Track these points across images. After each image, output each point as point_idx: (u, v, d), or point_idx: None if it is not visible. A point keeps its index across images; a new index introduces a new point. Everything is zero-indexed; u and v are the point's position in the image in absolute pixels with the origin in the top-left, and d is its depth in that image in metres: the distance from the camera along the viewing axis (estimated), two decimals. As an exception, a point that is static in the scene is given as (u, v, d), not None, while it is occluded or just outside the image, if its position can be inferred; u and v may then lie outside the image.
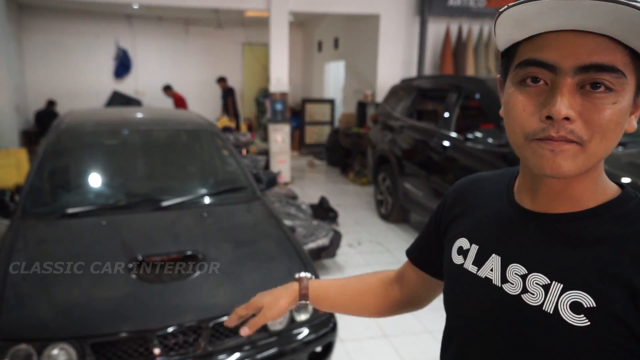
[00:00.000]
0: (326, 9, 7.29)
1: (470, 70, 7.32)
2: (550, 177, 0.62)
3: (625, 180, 2.74)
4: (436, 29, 7.41)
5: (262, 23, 8.59)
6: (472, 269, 0.75)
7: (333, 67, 10.47)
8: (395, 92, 5.59)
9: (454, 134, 4.12)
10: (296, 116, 9.76)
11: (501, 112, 0.69)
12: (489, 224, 0.76)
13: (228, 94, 9.16)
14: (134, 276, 2.06)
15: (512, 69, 0.65)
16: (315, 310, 2.17)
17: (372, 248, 4.59)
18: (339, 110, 9.75)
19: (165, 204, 2.61)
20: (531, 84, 0.61)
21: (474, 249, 0.76)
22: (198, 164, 3.21)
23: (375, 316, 1.03)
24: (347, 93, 9.17)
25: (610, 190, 0.67)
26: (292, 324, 2.11)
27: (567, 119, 0.58)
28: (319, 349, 2.16)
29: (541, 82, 0.60)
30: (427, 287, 0.96)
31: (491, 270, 0.72)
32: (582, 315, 0.60)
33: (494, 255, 0.72)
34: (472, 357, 0.75)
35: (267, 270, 2.26)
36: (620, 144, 3.26)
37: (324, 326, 2.19)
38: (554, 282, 0.63)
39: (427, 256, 0.93)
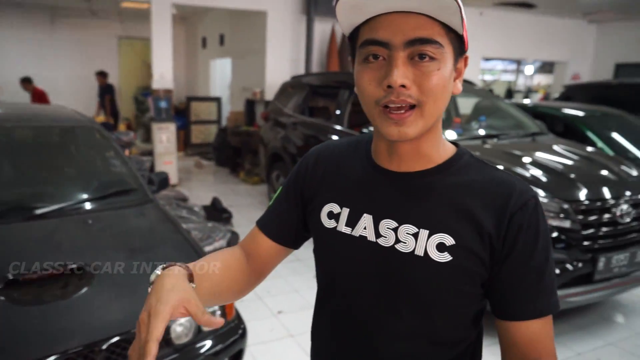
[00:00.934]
0: (212, 3, 7.02)
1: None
2: (399, 141, 0.74)
3: (500, 167, 3.01)
4: (322, 28, 7.54)
5: (140, 16, 8.01)
6: (346, 230, 0.82)
7: (219, 65, 10.15)
8: (286, 90, 5.57)
9: (347, 129, 4.20)
10: (181, 115, 9.27)
11: (355, 89, 0.78)
12: (356, 187, 0.84)
13: (106, 91, 8.43)
14: (2, 299, 1.74)
15: (357, 50, 0.75)
16: (223, 316, 2.01)
17: (271, 247, 4.50)
18: (227, 109, 9.49)
19: (39, 211, 2.26)
20: (373, 60, 0.72)
21: (345, 211, 0.83)
22: (78, 165, 2.85)
23: (239, 295, 0.95)
24: (234, 91, 8.96)
25: (449, 149, 0.82)
26: (199, 334, 1.96)
27: (403, 86, 0.70)
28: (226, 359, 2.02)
29: (380, 58, 0.72)
30: (276, 257, 0.97)
31: (364, 228, 0.81)
32: (446, 253, 0.75)
33: (365, 214, 0.81)
34: (355, 307, 0.82)
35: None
36: (494, 136, 3.60)
37: (233, 333, 2.06)
38: (421, 229, 0.76)
39: (283, 227, 0.94)
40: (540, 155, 3.28)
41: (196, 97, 9.95)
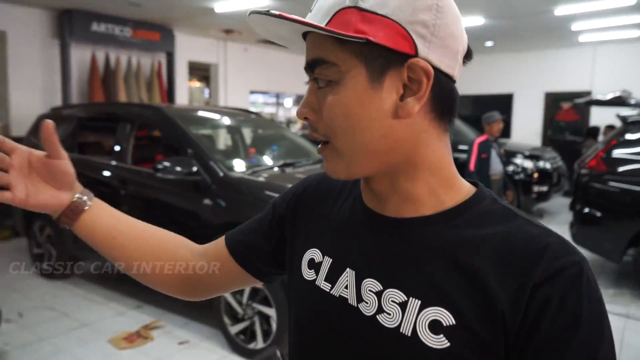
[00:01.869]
0: None
1: (122, 100, 6.97)
2: (338, 179, 0.63)
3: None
4: (81, 54, 6.72)
5: None
6: (325, 286, 0.65)
7: None
8: (45, 123, 4.69)
9: (132, 166, 3.77)
10: None
11: None
12: (342, 232, 0.67)
13: None
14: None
15: None
16: None
17: (42, 316, 3.65)
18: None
19: None
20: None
21: (327, 262, 0.66)
22: None
23: (171, 286, 0.82)
24: (-39, 126, 7.15)
25: (463, 190, 0.61)
26: None
27: (307, 118, 0.59)
28: None
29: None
30: (234, 281, 0.81)
31: (346, 287, 0.62)
32: (441, 335, 0.53)
33: (348, 269, 0.63)
34: None
35: None
36: (290, 164, 3.73)
37: None
38: (411, 298, 0.56)
39: (252, 253, 0.78)
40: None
41: None
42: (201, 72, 10.63)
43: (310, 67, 0.58)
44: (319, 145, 0.61)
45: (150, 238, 0.81)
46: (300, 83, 12.05)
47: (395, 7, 0.53)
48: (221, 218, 3.13)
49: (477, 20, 7.47)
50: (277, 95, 15.94)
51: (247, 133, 4.60)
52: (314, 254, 0.68)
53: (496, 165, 4.99)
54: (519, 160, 6.83)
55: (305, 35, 0.60)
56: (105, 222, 0.77)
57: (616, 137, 4.41)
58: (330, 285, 0.64)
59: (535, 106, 10.57)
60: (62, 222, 0.75)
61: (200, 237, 3.34)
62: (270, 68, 10.81)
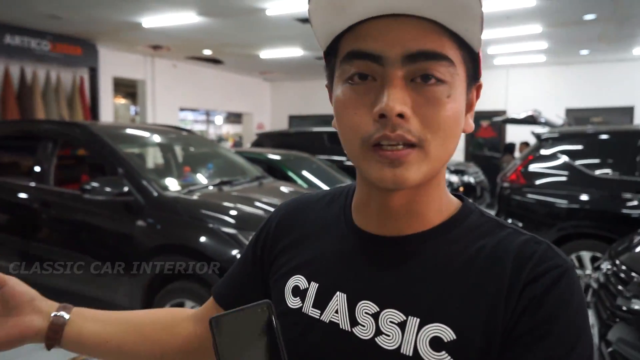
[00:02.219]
0: None
1: (40, 117, 6.52)
2: (394, 189, 0.54)
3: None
4: (-8, 68, 6.22)
5: None
6: (314, 312, 0.61)
7: None
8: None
9: (62, 188, 3.52)
10: None
11: (333, 123, 0.59)
12: (328, 255, 0.64)
13: None
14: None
15: (337, 65, 0.56)
16: None
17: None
18: None
19: None
20: (359, 81, 0.53)
21: (313, 287, 0.63)
22: None
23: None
24: None
25: (452, 204, 0.62)
26: None
27: (401, 116, 0.50)
28: None
29: (369, 78, 0.53)
30: None
31: (336, 312, 0.60)
32: (444, 352, 0.52)
33: (338, 293, 0.60)
34: None
35: None
36: (227, 182, 3.66)
37: None
38: (409, 317, 0.55)
39: (241, 299, 0.72)
40: (276, 196, 3.53)
41: None
42: (127, 88, 10.22)
43: (411, 58, 0.51)
44: (400, 148, 0.52)
45: (144, 326, 0.75)
46: (231, 100, 11.96)
47: (479, 30, 0.53)
48: (156, 240, 3.00)
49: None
50: (208, 113, 15.70)
51: (180, 151, 4.47)
52: (298, 280, 0.65)
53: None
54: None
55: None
56: (92, 328, 0.71)
57: (532, 152, 4.77)
58: (319, 312, 0.61)
59: (457, 124, 11.24)
60: (47, 345, 0.68)
61: (134, 260, 3.15)
62: (201, 85, 10.63)
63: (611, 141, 4.57)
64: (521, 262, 0.54)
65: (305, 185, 5.41)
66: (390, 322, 0.56)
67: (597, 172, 4.45)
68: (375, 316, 0.57)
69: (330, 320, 0.60)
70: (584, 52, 9.20)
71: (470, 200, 0.64)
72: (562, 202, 4.46)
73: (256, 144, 8.94)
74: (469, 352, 0.52)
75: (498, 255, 0.55)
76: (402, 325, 0.55)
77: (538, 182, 4.58)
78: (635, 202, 4.25)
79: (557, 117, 7.33)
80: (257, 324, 0.47)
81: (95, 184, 3.10)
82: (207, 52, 8.91)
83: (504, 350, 0.51)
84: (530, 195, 4.57)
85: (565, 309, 0.51)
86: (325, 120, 13.50)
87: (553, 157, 4.63)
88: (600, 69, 10.26)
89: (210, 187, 3.49)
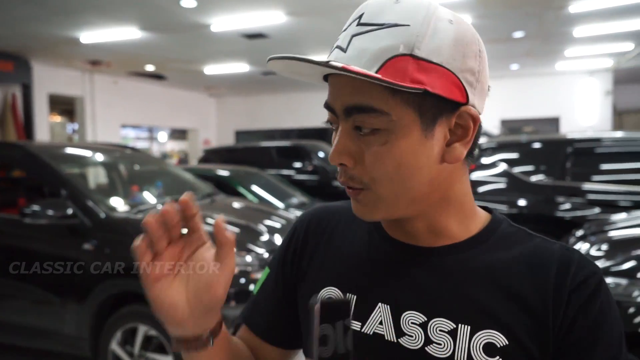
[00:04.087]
0: None
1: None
2: (371, 220, 0.60)
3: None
4: None
5: None
6: (355, 325, 0.60)
7: None
8: None
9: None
10: None
11: None
12: (364, 265, 0.64)
13: None
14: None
15: None
16: None
17: None
18: None
19: None
20: (332, 127, 0.59)
21: (351, 299, 0.62)
22: None
23: None
24: None
25: (481, 217, 0.64)
26: None
27: (342, 164, 0.56)
28: None
29: (334, 125, 0.59)
30: None
31: (380, 323, 0.59)
32: (498, 357, 0.54)
33: (380, 304, 0.60)
34: None
35: None
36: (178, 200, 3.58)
37: None
38: (460, 325, 0.56)
39: (279, 325, 0.70)
40: (230, 213, 3.49)
41: None
42: (64, 105, 9.77)
43: (348, 112, 0.55)
44: (349, 189, 0.58)
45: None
46: (176, 116, 11.72)
47: (449, 55, 0.53)
48: (105, 263, 2.87)
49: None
50: (151, 130, 15.26)
51: (125, 170, 4.32)
52: (331, 292, 0.64)
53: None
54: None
55: (326, 75, 0.58)
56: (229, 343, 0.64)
57: (474, 162, 5.02)
58: (360, 324, 0.60)
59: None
60: (210, 334, 0.58)
61: (81, 286, 3.02)
62: (143, 101, 10.36)
63: (544, 149, 4.89)
64: (563, 270, 0.57)
65: (255, 200, 5.40)
66: (440, 330, 0.57)
67: (533, 178, 4.74)
68: (424, 326, 0.57)
69: (374, 332, 0.60)
70: (514, 66, 9.83)
71: (498, 212, 0.66)
72: (502, 208, 4.71)
73: (203, 160, 8.82)
74: (521, 356, 0.54)
75: (536, 262, 0.58)
76: (452, 334, 0.56)
77: (481, 189, 4.82)
78: (567, 206, 4.56)
79: (494, 127, 7.77)
80: (340, 318, 0.47)
81: (36, 208, 2.95)
82: (150, 68, 8.71)
83: (561, 355, 0.55)
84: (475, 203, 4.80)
85: (609, 312, 0.56)
86: (271, 135, 13.52)
87: (493, 165, 4.89)
88: (529, 83, 10.98)
89: (161, 207, 3.40)
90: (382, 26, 0.52)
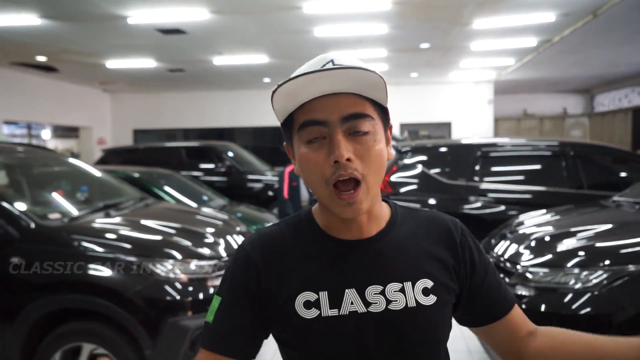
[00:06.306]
0: None
1: None
2: (352, 217, 0.79)
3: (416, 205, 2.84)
4: None
5: None
6: (332, 312, 0.78)
7: None
8: None
9: None
10: None
11: (296, 170, 0.83)
12: (324, 267, 0.81)
13: None
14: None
15: (295, 133, 0.79)
16: None
17: None
18: None
19: None
20: (315, 141, 0.76)
21: (324, 295, 0.79)
22: None
23: None
24: None
25: (385, 205, 0.89)
26: None
27: (348, 159, 0.74)
28: None
29: (320, 138, 0.76)
30: None
31: (352, 303, 0.79)
32: (431, 295, 0.81)
33: (347, 290, 0.79)
34: None
35: None
36: (112, 205, 3.33)
37: None
38: (404, 282, 0.81)
39: (244, 341, 0.82)
40: (172, 217, 3.33)
41: None
42: None
43: (345, 119, 0.75)
44: (351, 191, 0.75)
45: None
46: (65, 113, 10.64)
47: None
48: (39, 278, 2.56)
49: (262, 59, 8.02)
50: (29, 126, 13.67)
51: (27, 171, 3.83)
52: (307, 296, 0.79)
53: (304, 193, 5.41)
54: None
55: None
56: None
57: (395, 163, 5.33)
58: (336, 310, 0.79)
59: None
60: None
61: (9, 304, 2.69)
62: (27, 95, 9.26)
63: (457, 152, 5.35)
64: (445, 227, 0.88)
65: (172, 201, 5.17)
66: (393, 291, 0.80)
67: (448, 179, 5.18)
68: (382, 292, 0.80)
69: (349, 311, 0.78)
70: (414, 74, 10.56)
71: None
72: (416, 206, 5.06)
73: (101, 161, 8.15)
74: (443, 290, 0.83)
75: (432, 226, 0.88)
76: (402, 290, 0.80)
77: (402, 189, 5.13)
78: (478, 204, 5.06)
79: (400, 132, 8.29)
80: None
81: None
82: (41, 59, 7.85)
83: (474, 274, 0.87)
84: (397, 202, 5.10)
85: (479, 248, 0.90)
86: (171, 135, 12.91)
87: (412, 167, 5.24)
88: (425, 90, 11.88)
89: (98, 213, 3.12)
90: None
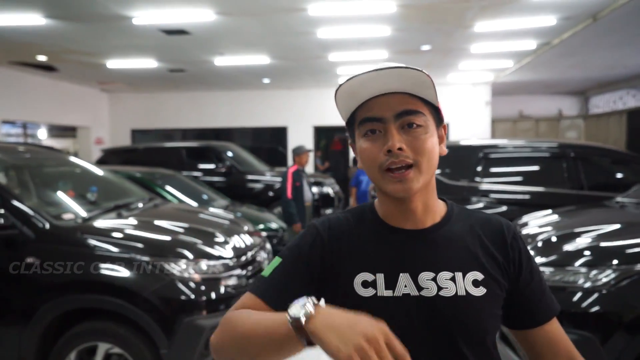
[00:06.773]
0: None
1: None
2: (404, 197, 0.87)
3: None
4: None
5: None
6: (387, 293, 0.87)
7: None
8: None
9: None
10: None
11: (359, 161, 0.92)
12: (382, 251, 0.91)
13: None
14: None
15: (356, 129, 0.91)
16: None
17: None
18: None
19: None
20: (371, 134, 0.88)
21: (380, 277, 0.88)
22: None
23: None
24: None
25: (442, 203, 0.98)
26: None
27: (400, 149, 0.84)
28: None
29: (377, 132, 0.87)
30: None
31: (405, 286, 0.87)
32: (480, 286, 0.88)
33: (401, 274, 0.88)
34: None
35: None
36: (123, 206, 3.34)
37: None
38: (455, 273, 0.88)
39: (290, 298, 0.87)
40: (182, 217, 3.35)
41: None
42: None
43: (399, 115, 0.86)
44: (403, 170, 0.85)
45: None
46: (63, 112, 10.59)
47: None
48: (55, 278, 2.58)
49: (263, 60, 8.03)
50: (25, 126, 13.59)
51: (37, 172, 3.83)
52: (365, 276, 0.89)
53: (307, 193, 5.44)
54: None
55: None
56: None
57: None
58: (391, 291, 0.87)
59: (306, 138, 11.80)
60: None
61: (23, 305, 2.71)
62: (25, 94, 9.22)
63: (459, 154, 5.39)
64: (499, 228, 0.95)
65: (176, 201, 5.20)
66: (445, 279, 0.87)
67: (449, 180, 5.22)
68: (434, 279, 0.87)
69: (402, 294, 0.87)
70: (413, 75, 10.56)
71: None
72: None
73: (101, 161, 8.13)
74: (492, 282, 0.89)
75: (487, 226, 0.95)
76: (453, 279, 0.88)
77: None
78: (480, 205, 5.11)
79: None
80: None
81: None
82: (42, 58, 7.82)
83: (520, 275, 0.92)
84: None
85: (528, 253, 0.95)
86: (169, 135, 12.87)
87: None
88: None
89: (111, 213, 3.14)
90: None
